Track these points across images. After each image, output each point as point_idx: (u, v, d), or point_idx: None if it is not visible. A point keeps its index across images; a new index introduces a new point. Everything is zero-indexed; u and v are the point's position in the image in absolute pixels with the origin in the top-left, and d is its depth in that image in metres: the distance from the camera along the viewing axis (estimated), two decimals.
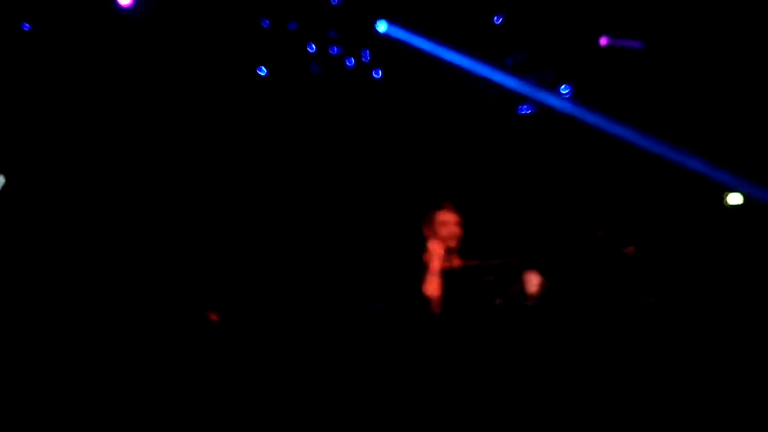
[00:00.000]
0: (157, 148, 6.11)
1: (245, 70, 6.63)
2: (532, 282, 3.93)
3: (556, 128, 7.34)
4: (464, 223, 4.63)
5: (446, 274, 3.87)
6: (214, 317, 3.81)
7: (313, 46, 6.82)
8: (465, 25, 7.20)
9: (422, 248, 4.70)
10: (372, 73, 6.95)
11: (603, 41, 7.10)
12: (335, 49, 6.93)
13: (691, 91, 7.42)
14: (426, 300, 3.72)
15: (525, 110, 7.38)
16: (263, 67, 6.65)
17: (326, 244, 6.21)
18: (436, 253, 4.40)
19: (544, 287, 3.96)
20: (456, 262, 4.59)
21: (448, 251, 4.63)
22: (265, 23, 6.64)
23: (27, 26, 5.78)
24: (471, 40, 7.18)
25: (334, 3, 6.72)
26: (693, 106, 7.35)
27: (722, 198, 7.07)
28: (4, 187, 4.53)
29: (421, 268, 4.50)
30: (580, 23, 7.51)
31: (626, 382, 3.38)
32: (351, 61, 6.98)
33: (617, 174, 7.20)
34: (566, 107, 7.31)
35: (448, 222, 4.61)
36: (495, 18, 7.25)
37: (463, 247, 4.66)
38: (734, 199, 6.99)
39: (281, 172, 6.45)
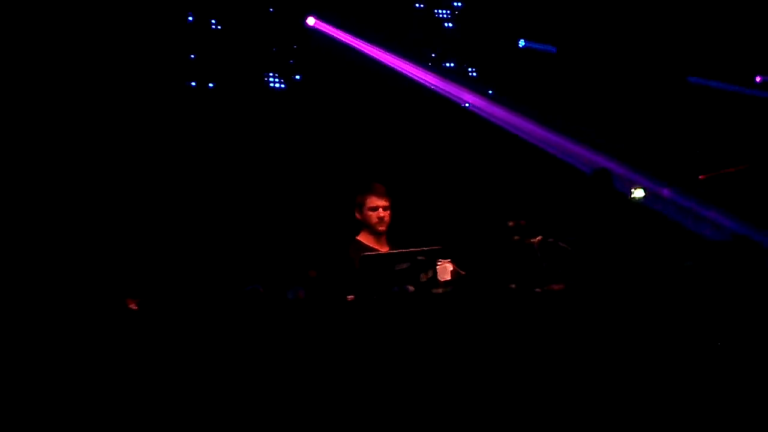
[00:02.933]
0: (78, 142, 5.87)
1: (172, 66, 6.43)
2: (445, 270, 3.91)
3: (468, 124, 7.38)
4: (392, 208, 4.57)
5: (362, 261, 3.80)
6: (132, 305, 3.64)
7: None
8: (391, 21, 7.17)
9: (347, 236, 4.65)
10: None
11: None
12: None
13: (598, 92, 7.57)
14: (339, 287, 3.65)
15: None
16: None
17: (245, 232, 6.10)
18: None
19: (456, 275, 3.94)
20: (384, 248, 4.53)
21: (377, 236, 4.56)
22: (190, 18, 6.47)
23: None
24: (397, 37, 7.16)
25: None
26: (600, 106, 7.50)
27: (628, 192, 7.20)
28: None
29: (343, 256, 4.44)
30: (500, 28, 7.59)
31: (534, 369, 3.35)
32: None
33: (526, 168, 7.28)
34: (482, 104, 7.35)
35: (377, 207, 4.53)
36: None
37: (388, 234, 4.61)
38: (638, 193, 7.13)
39: (206, 161, 6.29)
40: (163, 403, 3.15)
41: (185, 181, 6.13)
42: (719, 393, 3.38)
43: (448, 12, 7.54)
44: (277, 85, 6.78)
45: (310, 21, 6.89)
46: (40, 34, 5.76)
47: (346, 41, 6.92)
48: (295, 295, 3.40)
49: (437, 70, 7.36)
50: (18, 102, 5.66)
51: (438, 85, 7.30)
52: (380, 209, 4.53)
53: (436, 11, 7.48)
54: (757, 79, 7.85)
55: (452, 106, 7.38)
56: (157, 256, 5.62)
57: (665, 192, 7.35)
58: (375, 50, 7.00)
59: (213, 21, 6.56)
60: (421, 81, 7.25)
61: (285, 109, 6.75)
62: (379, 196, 4.55)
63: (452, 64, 7.48)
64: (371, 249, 4.49)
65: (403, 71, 7.14)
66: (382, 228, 4.56)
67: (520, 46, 7.70)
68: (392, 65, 7.08)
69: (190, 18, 6.47)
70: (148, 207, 5.88)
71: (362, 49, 6.95)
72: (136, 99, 6.06)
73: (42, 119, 5.72)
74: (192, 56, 6.45)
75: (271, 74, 6.77)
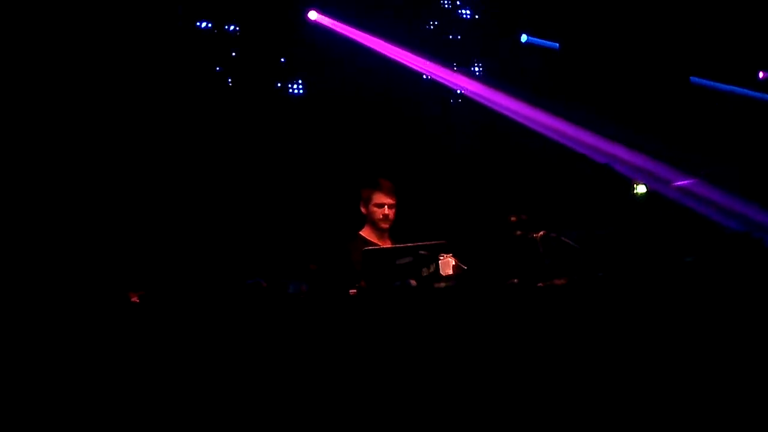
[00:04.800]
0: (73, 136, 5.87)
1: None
2: (447, 264, 3.89)
3: (473, 118, 7.36)
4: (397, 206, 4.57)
5: (364, 255, 3.78)
6: (134, 298, 3.63)
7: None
8: (395, 16, 7.15)
9: (349, 230, 4.64)
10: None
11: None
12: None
13: (600, 87, 7.55)
14: (341, 280, 3.64)
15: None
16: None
17: (247, 226, 6.08)
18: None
19: (458, 269, 3.93)
20: (386, 243, 4.53)
21: (380, 232, 4.55)
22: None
23: None
24: (402, 31, 7.14)
25: None
26: (603, 100, 7.48)
27: (631, 187, 7.20)
28: None
29: (345, 251, 4.43)
30: (506, 23, 7.57)
31: (536, 364, 3.34)
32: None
33: (529, 163, 7.27)
34: (485, 98, 7.33)
35: (383, 204, 4.52)
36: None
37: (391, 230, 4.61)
38: (641, 188, 7.13)
39: (209, 155, 6.27)
40: (166, 396, 3.14)
41: (189, 174, 6.12)
42: (720, 388, 3.37)
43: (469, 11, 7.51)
44: (293, 91, 6.79)
45: (312, 15, 6.86)
46: (58, 40, 5.80)
47: (348, 35, 6.89)
48: (297, 289, 3.38)
49: (444, 63, 7.32)
50: (24, 97, 5.66)
51: (443, 77, 7.28)
52: (386, 207, 4.53)
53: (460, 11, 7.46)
54: (761, 74, 7.82)
55: (455, 99, 7.37)
56: (160, 249, 5.61)
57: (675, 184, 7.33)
58: (375, 41, 6.95)
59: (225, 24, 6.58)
60: (426, 73, 7.22)
61: (289, 104, 6.74)
62: (387, 193, 4.54)
63: (479, 67, 7.47)
64: (373, 244, 4.48)
65: (407, 63, 7.10)
66: (385, 225, 4.56)
67: (523, 41, 7.68)
68: (395, 57, 7.04)
69: (208, 24, 6.48)
70: (151, 200, 5.87)
71: (362, 41, 6.91)
72: (141, 95, 6.06)
73: (48, 115, 5.73)
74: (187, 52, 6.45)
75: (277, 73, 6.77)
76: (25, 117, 5.65)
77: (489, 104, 7.27)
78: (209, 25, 6.50)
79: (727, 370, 3.38)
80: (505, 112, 7.32)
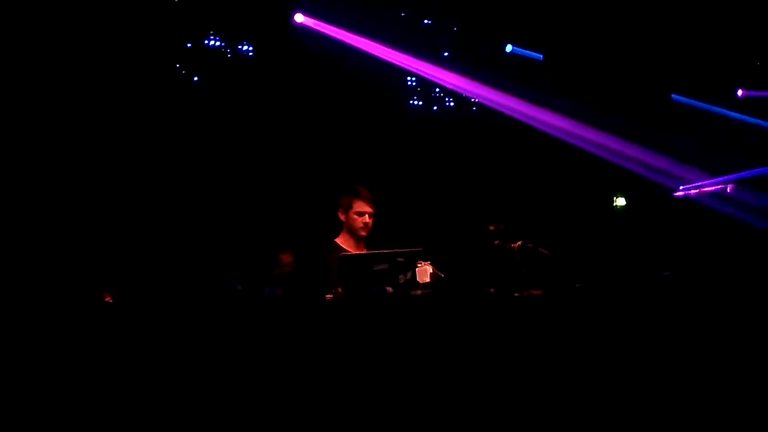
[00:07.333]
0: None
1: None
2: (424, 272, 3.88)
3: (453, 126, 7.38)
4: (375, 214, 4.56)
5: (340, 261, 3.76)
6: (107, 298, 3.59)
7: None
8: (381, 17, 7.15)
9: (327, 236, 4.62)
10: None
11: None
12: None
13: (583, 98, 7.60)
14: (317, 285, 3.61)
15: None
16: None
17: (224, 230, 6.06)
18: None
19: (435, 277, 3.91)
20: (363, 251, 4.50)
21: (357, 240, 4.53)
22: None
23: None
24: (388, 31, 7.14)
25: None
26: (585, 110, 7.53)
27: (610, 200, 7.24)
28: None
29: (322, 256, 4.40)
30: (490, 33, 7.61)
31: (511, 374, 3.33)
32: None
33: (508, 173, 7.29)
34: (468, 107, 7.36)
35: (364, 212, 4.51)
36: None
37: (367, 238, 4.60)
38: (620, 201, 7.18)
39: (186, 159, 6.25)
40: (137, 397, 3.11)
41: (165, 178, 6.09)
42: (693, 401, 3.38)
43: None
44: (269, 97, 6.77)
45: (298, 18, 6.85)
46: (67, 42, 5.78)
47: (335, 36, 6.88)
48: (273, 292, 3.36)
49: (428, 65, 7.32)
50: (14, 101, 5.63)
51: (427, 72, 7.27)
52: (366, 215, 4.52)
53: None
54: (740, 93, 7.89)
55: (436, 107, 7.38)
56: (136, 251, 5.57)
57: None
58: (361, 40, 6.94)
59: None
60: (410, 68, 7.21)
61: (266, 109, 6.73)
62: (367, 201, 4.54)
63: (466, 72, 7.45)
64: (349, 252, 4.46)
65: (389, 59, 7.10)
66: (364, 233, 4.55)
67: (507, 51, 7.70)
68: (375, 52, 7.03)
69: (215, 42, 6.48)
70: (128, 204, 5.84)
71: (348, 41, 6.90)
72: (118, 96, 6.03)
73: (20, 117, 5.69)
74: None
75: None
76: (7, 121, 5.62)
77: (473, 108, 7.27)
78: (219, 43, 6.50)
79: (700, 383, 3.39)
80: (491, 110, 7.33)
